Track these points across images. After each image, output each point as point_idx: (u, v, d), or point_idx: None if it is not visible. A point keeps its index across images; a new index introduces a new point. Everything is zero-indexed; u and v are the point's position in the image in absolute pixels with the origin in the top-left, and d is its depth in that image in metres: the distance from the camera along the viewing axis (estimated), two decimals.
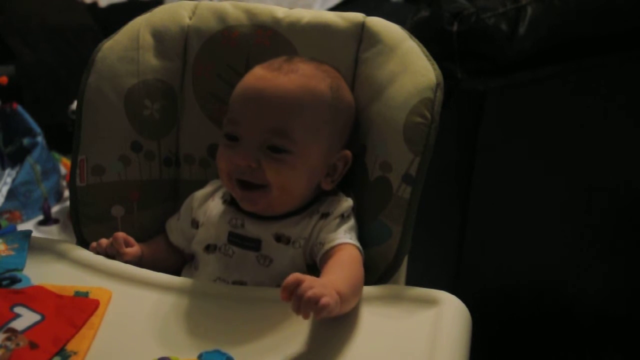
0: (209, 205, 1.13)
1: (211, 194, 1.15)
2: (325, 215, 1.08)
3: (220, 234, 1.09)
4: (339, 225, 1.06)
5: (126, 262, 1.08)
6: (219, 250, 1.09)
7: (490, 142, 1.50)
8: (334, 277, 0.96)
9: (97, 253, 1.10)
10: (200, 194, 1.16)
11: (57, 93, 2.74)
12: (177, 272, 1.13)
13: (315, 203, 1.09)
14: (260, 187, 1.04)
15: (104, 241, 1.11)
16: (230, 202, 1.11)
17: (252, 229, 1.08)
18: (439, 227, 1.61)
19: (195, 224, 1.14)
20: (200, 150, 1.21)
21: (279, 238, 1.06)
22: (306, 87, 1.05)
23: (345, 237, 1.05)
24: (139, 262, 1.10)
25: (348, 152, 1.11)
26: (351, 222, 1.08)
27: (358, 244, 1.06)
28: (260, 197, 1.05)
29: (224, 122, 1.09)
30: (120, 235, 1.11)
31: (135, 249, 1.12)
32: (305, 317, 0.88)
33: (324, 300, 0.87)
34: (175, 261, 1.16)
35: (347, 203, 1.09)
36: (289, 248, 1.06)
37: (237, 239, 1.08)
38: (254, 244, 1.07)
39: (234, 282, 1.07)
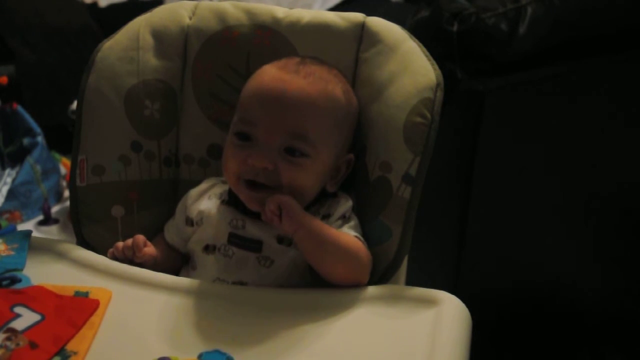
0: (205, 203, 1.13)
1: (206, 191, 1.15)
2: (326, 217, 1.08)
3: (219, 235, 1.09)
4: (341, 226, 1.07)
5: (142, 264, 1.07)
6: (219, 250, 1.08)
7: (490, 142, 1.50)
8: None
9: (114, 258, 1.09)
10: (195, 191, 1.16)
11: (57, 93, 2.74)
12: (175, 273, 1.12)
13: (315, 204, 1.09)
14: (270, 188, 1.03)
15: (119, 244, 1.10)
16: (229, 202, 1.11)
17: (253, 230, 1.07)
18: (439, 227, 1.61)
19: (189, 222, 1.13)
20: (200, 150, 1.21)
21: (281, 240, 1.06)
22: (325, 91, 1.05)
23: (349, 232, 1.05)
24: (153, 264, 1.09)
25: (352, 155, 1.11)
26: (353, 221, 1.08)
27: (362, 239, 1.06)
28: (269, 197, 1.04)
29: (234, 120, 1.08)
30: (141, 237, 1.10)
31: (152, 249, 1.11)
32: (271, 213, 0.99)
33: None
34: (174, 262, 1.16)
35: (347, 203, 1.09)
36: (290, 249, 1.06)
37: (238, 240, 1.08)
38: (255, 245, 1.07)
39: (234, 283, 1.06)
